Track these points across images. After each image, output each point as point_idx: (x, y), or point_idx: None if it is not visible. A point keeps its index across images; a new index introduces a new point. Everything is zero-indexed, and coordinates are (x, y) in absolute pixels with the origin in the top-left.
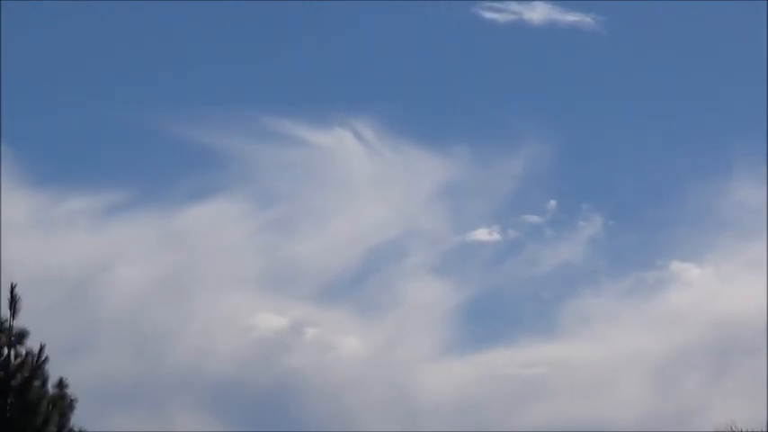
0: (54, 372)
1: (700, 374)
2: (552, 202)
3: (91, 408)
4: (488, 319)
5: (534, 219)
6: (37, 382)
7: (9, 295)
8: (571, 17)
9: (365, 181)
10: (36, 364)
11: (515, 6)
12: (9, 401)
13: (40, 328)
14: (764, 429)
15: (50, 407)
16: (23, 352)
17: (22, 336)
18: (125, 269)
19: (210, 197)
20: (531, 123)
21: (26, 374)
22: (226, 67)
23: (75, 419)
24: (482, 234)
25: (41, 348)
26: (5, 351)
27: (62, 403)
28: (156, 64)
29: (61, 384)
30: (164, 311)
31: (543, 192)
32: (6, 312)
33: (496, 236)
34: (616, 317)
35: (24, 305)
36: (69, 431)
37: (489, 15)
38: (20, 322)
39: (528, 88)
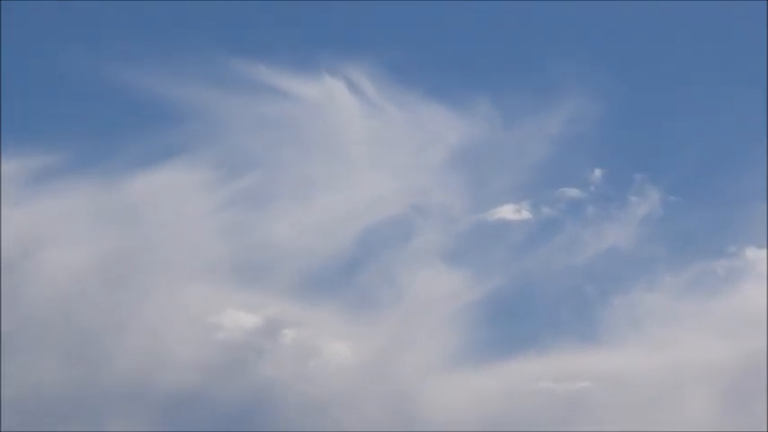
0: None
1: None
2: (597, 172)
3: (12, 422)
4: (515, 319)
5: (574, 193)
6: None
7: None
8: None
9: (361, 143)
10: None
11: None
12: None
13: None
14: None
15: None
16: None
17: None
18: (57, 251)
19: (165, 163)
20: (572, 72)
21: None
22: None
23: None
24: (508, 211)
25: None
26: None
27: None
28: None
29: None
30: (105, 304)
31: (586, 159)
32: None
33: (526, 214)
34: (677, 318)
35: None
36: None
37: None
38: None
39: (568, 29)
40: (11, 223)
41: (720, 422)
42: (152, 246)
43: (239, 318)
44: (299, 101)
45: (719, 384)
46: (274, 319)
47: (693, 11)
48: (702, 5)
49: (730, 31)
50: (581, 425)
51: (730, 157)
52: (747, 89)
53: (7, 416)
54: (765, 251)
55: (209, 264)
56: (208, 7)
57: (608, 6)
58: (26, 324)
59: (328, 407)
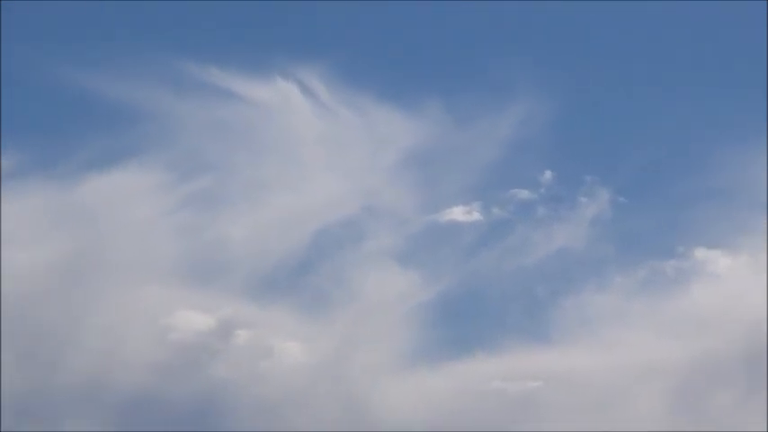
0: None
1: (731, 388)
2: (547, 174)
3: None
4: (466, 319)
5: (524, 194)
6: None
7: None
8: None
9: (314, 146)
10: None
11: None
12: None
13: None
14: None
15: None
16: None
17: None
18: (11, 252)
19: (118, 164)
20: (522, 75)
21: None
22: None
23: None
24: (459, 213)
25: None
26: None
27: None
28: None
29: None
30: (59, 305)
31: (536, 161)
32: None
33: (477, 215)
34: (627, 318)
35: None
36: None
37: None
38: None
39: (519, 32)
40: None
41: (669, 421)
42: (107, 247)
43: (192, 319)
44: (252, 103)
45: (669, 384)
46: (227, 319)
47: (642, 12)
48: (654, 5)
49: (687, 31)
50: (532, 424)
51: (678, 158)
52: (696, 90)
53: None
54: (714, 252)
55: (164, 265)
56: (161, 9)
57: (557, 7)
58: None
59: (281, 407)
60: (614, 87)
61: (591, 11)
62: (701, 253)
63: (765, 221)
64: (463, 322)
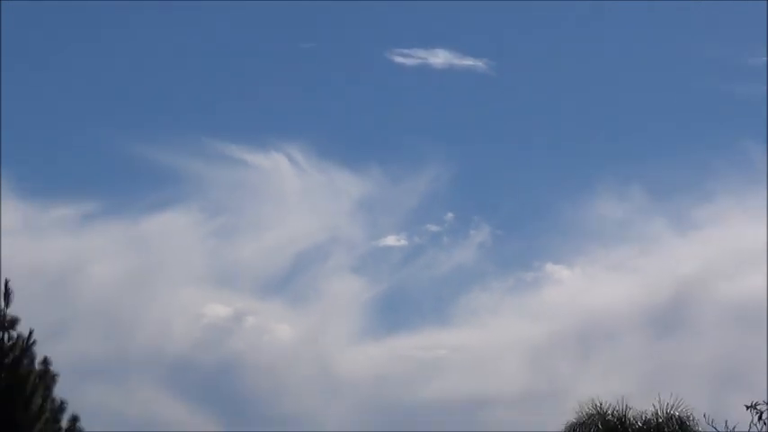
0: (40, 351)
1: (568, 357)
2: (449, 215)
3: (70, 381)
4: (396, 310)
5: (435, 228)
6: (26, 361)
7: (3, 289)
8: (467, 62)
9: (295, 196)
10: (25, 346)
11: (421, 53)
12: (2, 376)
13: (29, 315)
14: (620, 402)
15: (37, 380)
16: (15, 335)
17: (13, 322)
18: (98, 267)
19: (168, 208)
20: (433, 150)
21: (17, 354)
22: (182, 98)
23: (57, 391)
24: (391, 240)
25: (30, 333)
26: (0, 335)
27: (46, 378)
28: (124, 95)
29: (45, 362)
30: (130, 302)
31: (442, 205)
32: (1, 303)
33: (404, 242)
34: (500, 309)
35: (16, 297)
36: (52, 400)
37: (399, 60)
38: (12, 311)
39: (430, 120)
40: (67, 248)
41: (526, 378)
42: (160, 263)
43: (217, 309)
44: (255, 168)
45: (528, 353)
46: (240, 310)
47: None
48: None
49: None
50: (439, 379)
51: (535, 204)
52: (544, 161)
53: (67, 376)
54: (558, 266)
55: (198, 274)
56: (197, 104)
57: (458, 103)
58: (79, 315)
59: (276, 368)
60: (494, 156)
61: (475, 101)
62: (549, 267)
63: (591, 245)
64: (395, 312)
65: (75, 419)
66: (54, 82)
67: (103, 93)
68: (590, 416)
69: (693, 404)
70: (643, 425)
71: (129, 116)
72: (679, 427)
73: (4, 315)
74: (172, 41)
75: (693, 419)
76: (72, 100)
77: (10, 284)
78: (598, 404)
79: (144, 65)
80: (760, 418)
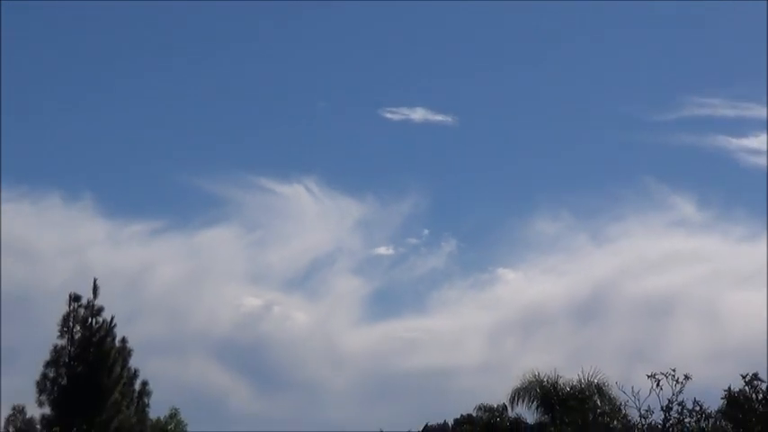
0: (119, 332)
1: (513, 338)
2: (426, 231)
3: (141, 354)
4: (386, 302)
5: (414, 241)
6: (109, 339)
7: (92, 285)
8: (439, 117)
9: (311, 216)
10: (108, 328)
11: (404, 110)
12: (91, 351)
13: (111, 305)
14: (553, 372)
15: (117, 354)
16: (101, 320)
17: (100, 310)
18: (162, 269)
19: (216, 225)
20: (414, 183)
21: (102, 334)
22: (227, 141)
23: (132, 362)
24: (382, 250)
25: (111, 318)
26: (90, 320)
27: (124, 352)
28: (182, 136)
29: (124, 340)
30: (186, 295)
31: (420, 224)
32: (90, 296)
33: (391, 251)
34: (463, 301)
35: (101, 292)
36: (128, 369)
37: (388, 116)
38: (98, 302)
39: (412, 161)
40: (141, 255)
41: (482, 353)
42: (211, 266)
43: (252, 301)
44: (280, 195)
45: (483, 335)
46: (269, 301)
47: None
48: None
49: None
50: (417, 353)
51: (491, 223)
52: (498, 190)
53: (139, 351)
54: (506, 270)
55: (238, 274)
56: (235, 140)
57: (432, 149)
58: (149, 304)
59: (294, 344)
60: (460, 189)
61: (445, 147)
62: (500, 270)
63: (531, 254)
64: (385, 304)
65: (145, 384)
66: (125, 123)
67: (165, 133)
68: (530, 382)
69: (608, 374)
70: (570, 389)
71: (187, 153)
72: (597, 391)
73: (93, 305)
74: (224, 92)
75: (608, 385)
76: (142, 139)
77: (97, 282)
78: (536, 373)
79: (198, 110)
80: (657, 384)
